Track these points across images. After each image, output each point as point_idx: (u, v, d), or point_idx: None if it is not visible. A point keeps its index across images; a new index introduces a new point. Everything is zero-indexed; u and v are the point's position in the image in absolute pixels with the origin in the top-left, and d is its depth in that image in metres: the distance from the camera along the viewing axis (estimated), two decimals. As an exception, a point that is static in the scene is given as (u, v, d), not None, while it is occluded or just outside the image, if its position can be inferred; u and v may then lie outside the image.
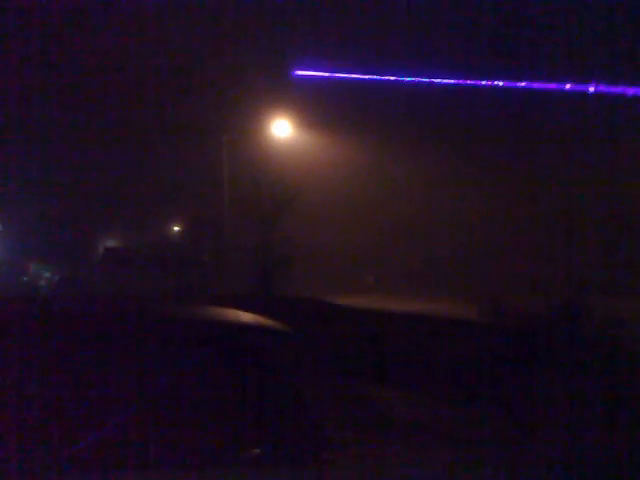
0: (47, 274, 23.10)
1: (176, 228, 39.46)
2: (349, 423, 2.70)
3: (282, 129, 24.15)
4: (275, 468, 2.38)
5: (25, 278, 24.62)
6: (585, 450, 3.06)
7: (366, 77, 27.45)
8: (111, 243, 33.45)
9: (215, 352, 2.62)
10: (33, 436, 2.30)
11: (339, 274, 29.40)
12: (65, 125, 33.60)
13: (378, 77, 27.42)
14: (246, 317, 3.05)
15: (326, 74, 26.60)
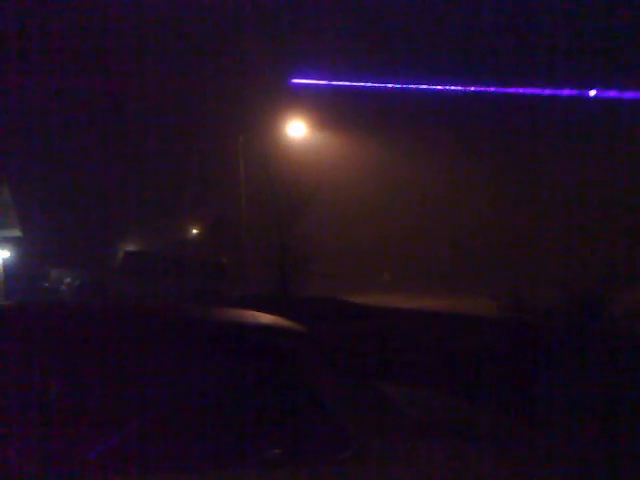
0: (68, 279, 23.26)
1: (195, 230, 39.64)
2: (368, 422, 2.71)
3: (297, 129, 24.23)
4: (295, 468, 2.39)
5: (46, 284, 24.83)
6: (592, 445, 3.05)
7: (363, 84, 27.63)
8: (131, 247, 33.64)
9: (233, 353, 2.65)
10: (48, 440, 2.32)
11: (357, 273, 29.37)
12: (83, 131, 33.89)
13: (371, 84, 27.66)
14: (264, 318, 3.08)
15: (322, 82, 26.71)
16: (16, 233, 26.12)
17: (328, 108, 26.27)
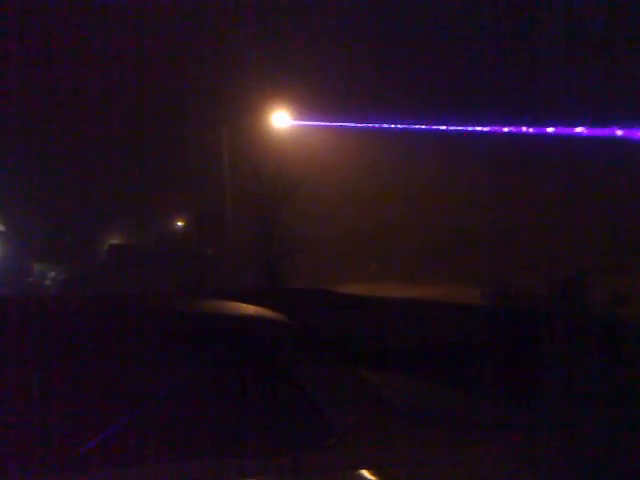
0: (52, 274, 23.18)
1: (179, 223, 39.47)
2: (351, 409, 2.72)
3: (282, 120, 24.16)
4: (276, 457, 2.39)
5: (30, 278, 24.69)
6: (586, 434, 3.06)
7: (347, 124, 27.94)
8: (116, 240, 33.48)
9: (215, 344, 2.64)
10: (39, 436, 2.31)
11: (343, 263, 29.41)
12: (65, 123, 33.57)
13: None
14: (245, 309, 3.08)
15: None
16: (-2, 227, 25.95)
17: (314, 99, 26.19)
